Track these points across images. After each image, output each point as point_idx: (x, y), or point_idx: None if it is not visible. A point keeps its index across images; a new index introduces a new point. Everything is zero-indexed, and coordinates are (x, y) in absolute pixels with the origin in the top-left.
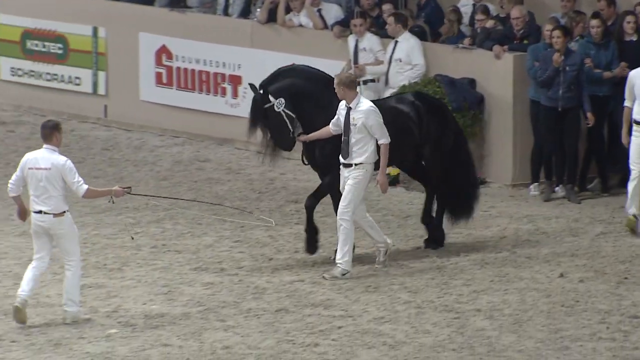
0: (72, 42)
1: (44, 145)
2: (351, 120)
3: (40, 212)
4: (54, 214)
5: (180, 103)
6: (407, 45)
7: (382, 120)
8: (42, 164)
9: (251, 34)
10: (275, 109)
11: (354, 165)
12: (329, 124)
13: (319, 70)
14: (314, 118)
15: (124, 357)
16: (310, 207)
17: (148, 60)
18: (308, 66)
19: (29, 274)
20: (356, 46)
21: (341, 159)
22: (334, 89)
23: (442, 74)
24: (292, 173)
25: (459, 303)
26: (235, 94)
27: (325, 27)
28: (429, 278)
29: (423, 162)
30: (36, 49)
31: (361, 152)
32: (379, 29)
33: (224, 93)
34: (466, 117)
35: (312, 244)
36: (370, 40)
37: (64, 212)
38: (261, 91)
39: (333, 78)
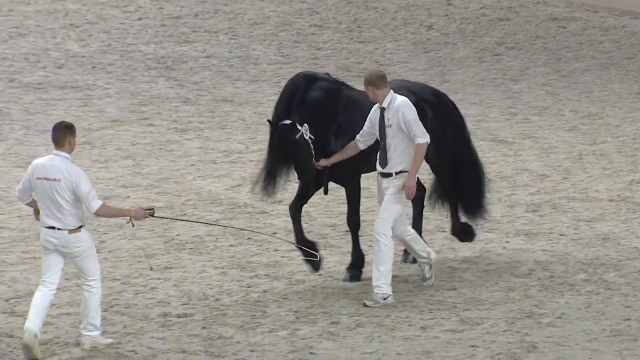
0: None
1: (54, 151)
2: (386, 121)
3: (52, 227)
4: (69, 230)
5: None
6: None
7: (417, 115)
8: (51, 173)
9: None
10: (305, 137)
11: (394, 174)
12: (341, 138)
13: (326, 76)
14: (330, 134)
15: None
16: (356, 224)
17: None
18: (314, 74)
19: (37, 301)
20: None
21: (379, 168)
22: (344, 93)
23: None
24: None
25: None
26: None
27: None
28: None
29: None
30: None
31: (402, 157)
32: None
33: None
34: None
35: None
36: None
37: (81, 227)
38: (287, 122)
39: (338, 82)
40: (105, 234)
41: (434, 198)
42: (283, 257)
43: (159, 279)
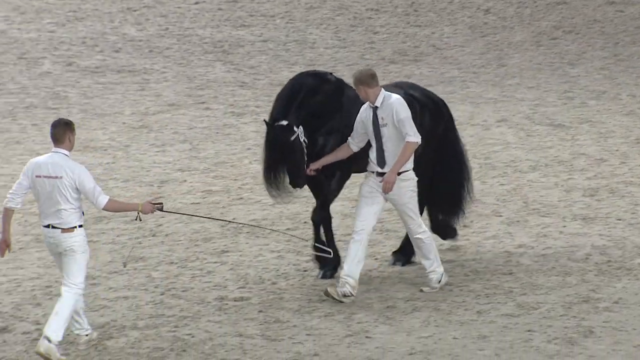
0: None
1: (54, 149)
2: (380, 121)
3: (48, 226)
4: (62, 229)
5: None
6: None
7: (410, 113)
8: (53, 171)
9: None
10: (300, 139)
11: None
12: (337, 139)
13: (323, 74)
14: (326, 135)
15: None
16: (319, 222)
17: None
18: (315, 73)
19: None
20: None
21: (376, 168)
22: (340, 93)
23: None
24: None
25: None
26: None
27: None
28: None
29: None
30: None
31: None
32: None
33: None
34: None
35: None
36: None
37: (75, 227)
38: (284, 123)
39: (338, 83)
40: (162, 217)
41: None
42: (339, 241)
43: (215, 262)
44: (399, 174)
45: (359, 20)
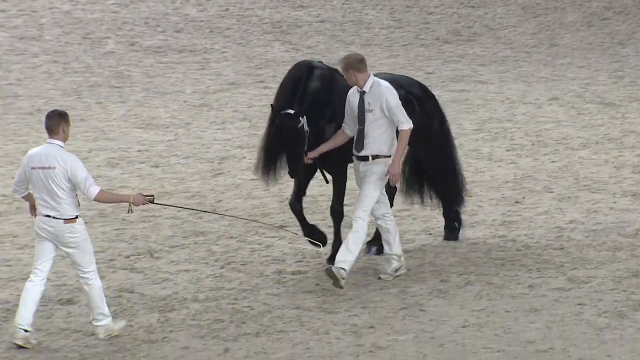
0: None
1: (48, 140)
2: (366, 105)
3: (48, 216)
4: (64, 220)
5: None
6: None
7: (400, 101)
8: (46, 161)
9: None
10: (305, 128)
11: (370, 158)
12: (334, 125)
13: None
14: (325, 122)
15: None
16: (340, 215)
17: None
18: (311, 62)
19: (28, 295)
20: None
21: (354, 152)
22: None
23: None
24: None
25: None
26: None
27: None
28: None
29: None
30: None
31: (379, 142)
32: None
33: None
34: None
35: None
36: None
37: (76, 217)
38: (291, 111)
39: (331, 70)
40: (222, 193)
41: (418, 191)
42: (394, 216)
43: (274, 237)
44: (375, 157)
45: (414, 1)
